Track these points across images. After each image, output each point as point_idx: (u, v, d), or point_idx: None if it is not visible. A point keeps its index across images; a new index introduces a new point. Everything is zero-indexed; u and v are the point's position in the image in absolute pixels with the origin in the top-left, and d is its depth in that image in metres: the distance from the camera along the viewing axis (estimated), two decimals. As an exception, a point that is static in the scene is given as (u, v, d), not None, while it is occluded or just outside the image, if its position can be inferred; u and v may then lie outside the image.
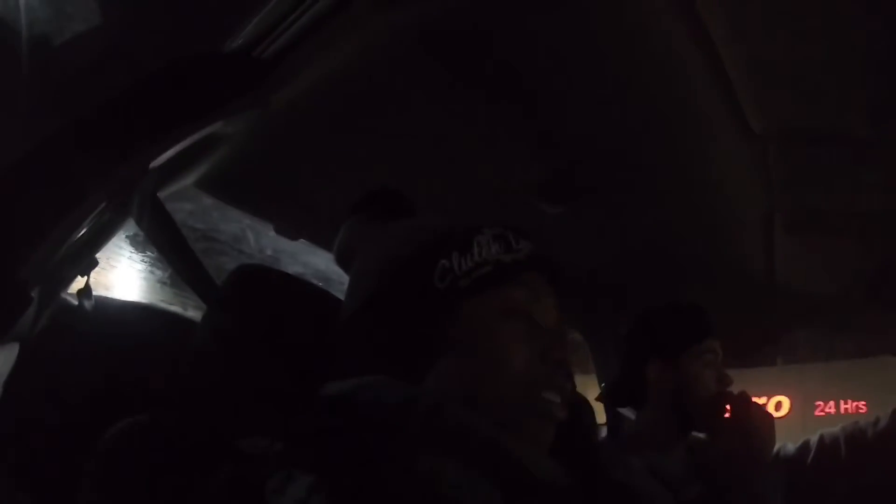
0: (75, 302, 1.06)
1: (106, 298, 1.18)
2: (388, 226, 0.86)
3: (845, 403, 5.40)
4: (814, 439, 1.45)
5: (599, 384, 2.01)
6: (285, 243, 1.66)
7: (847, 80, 1.18)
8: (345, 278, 1.00)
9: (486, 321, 0.74)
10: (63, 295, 1.05)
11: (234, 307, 0.86)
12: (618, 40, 1.13)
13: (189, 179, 1.23)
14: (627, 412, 1.56)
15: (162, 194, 1.15)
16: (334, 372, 0.73)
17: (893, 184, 1.41)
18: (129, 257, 1.36)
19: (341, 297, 0.96)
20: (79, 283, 1.07)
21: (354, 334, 0.79)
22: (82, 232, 0.92)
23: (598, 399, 1.60)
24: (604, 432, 1.70)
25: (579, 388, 1.73)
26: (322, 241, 1.53)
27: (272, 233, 1.59)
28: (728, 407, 1.38)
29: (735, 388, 1.39)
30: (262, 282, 0.90)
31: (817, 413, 5.51)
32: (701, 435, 1.46)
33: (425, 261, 0.76)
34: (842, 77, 1.17)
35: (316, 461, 0.60)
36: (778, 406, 5.58)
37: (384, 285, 0.78)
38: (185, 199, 1.30)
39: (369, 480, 0.59)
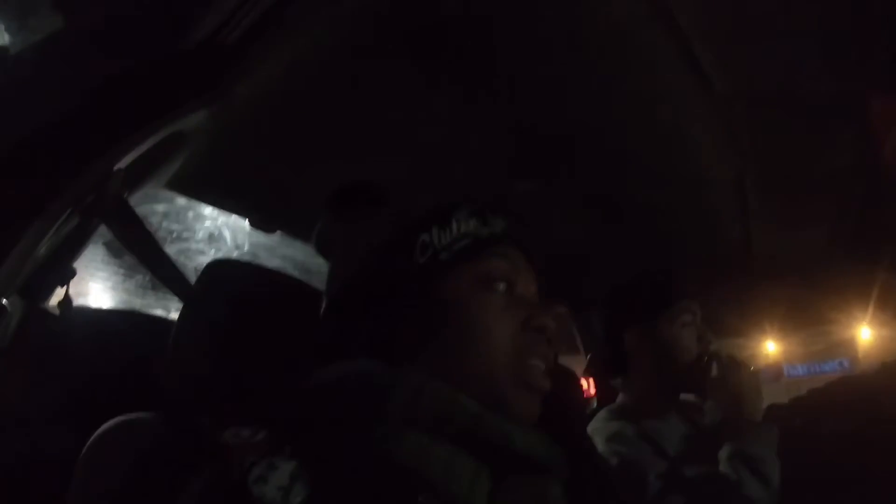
0: (57, 313, 1.05)
1: (87, 308, 1.17)
2: (367, 214, 0.86)
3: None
4: (803, 396, 1.47)
5: (588, 362, 2.03)
6: (262, 238, 1.65)
7: (812, 33, 1.18)
8: (325, 269, 1.00)
9: (467, 293, 0.75)
10: (44, 307, 1.04)
11: (207, 302, 0.86)
12: (581, 13, 1.13)
13: (159, 181, 1.22)
14: (616, 382, 1.57)
15: (133, 198, 1.14)
16: (318, 356, 0.74)
17: (863, 137, 1.42)
18: (108, 264, 1.35)
19: (321, 287, 0.97)
20: (58, 294, 1.06)
21: (338, 316, 0.80)
22: (51, 239, 0.90)
23: (584, 373, 1.62)
24: (595, 405, 1.71)
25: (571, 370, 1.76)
26: (299, 232, 1.53)
27: (248, 229, 1.59)
28: (712, 366, 1.38)
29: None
30: (234, 275, 0.90)
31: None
32: (690, 396, 1.47)
33: (406, 237, 0.77)
34: (806, 31, 1.18)
35: (298, 448, 0.60)
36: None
37: (366, 266, 0.79)
38: (158, 201, 1.29)
39: (352, 465, 0.60)
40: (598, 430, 1.36)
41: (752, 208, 1.77)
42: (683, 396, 1.46)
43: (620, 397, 1.51)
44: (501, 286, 0.76)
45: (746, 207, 1.76)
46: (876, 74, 1.23)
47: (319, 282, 0.98)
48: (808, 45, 1.18)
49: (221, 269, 0.93)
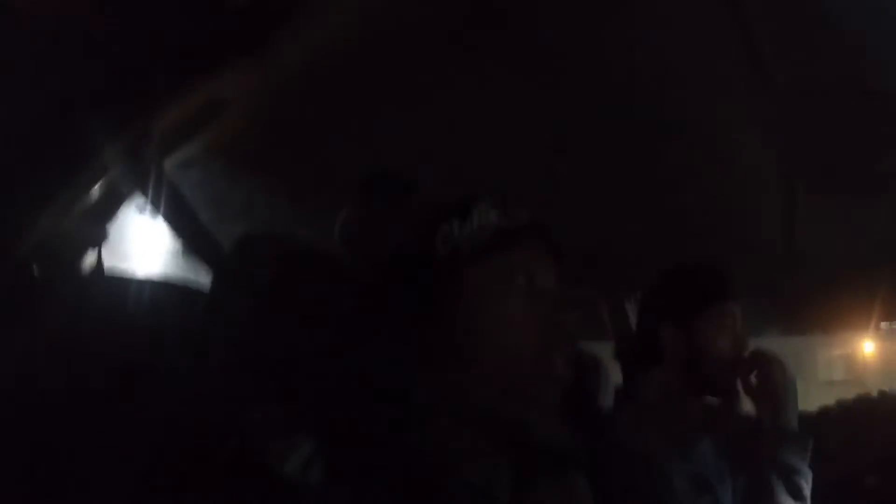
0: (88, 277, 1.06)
1: (117, 277, 1.18)
2: (395, 203, 0.87)
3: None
4: (834, 407, 1.42)
5: (615, 348, 2.00)
6: (295, 210, 1.65)
7: (868, 29, 1.12)
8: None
9: (487, 284, 0.75)
10: (77, 270, 1.05)
11: (238, 275, 0.86)
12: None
13: (196, 147, 1.22)
14: (643, 373, 1.54)
15: (169, 163, 1.15)
16: (344, 340, 0.74)
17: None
18: (141, 228, 1.36)
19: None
20: (90, 258, 1.07)
21: (362, 304, 0.81)
22: (87, 201, 0.91)
23: (614, 357, 1.59)
24: (618, 393, 1.69)
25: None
26: (333, 206, 1.52)
27: (283, 199, 1.59)
28: (748, 371, 1.35)
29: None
30: (267, 249, 0.89)
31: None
32: (718, 399, 1.44)
33: (427, 229, 0.78)
34: (871, 27, 1.12)
35: (320, 428, 0.61)
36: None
37: (392, 255, 0.80)
38: (193, 167, 1.29)
39: (372, 447, 0.60)
40: (621, 423, 1.34)
41: (800, 207, 1.71)
42: (709, 399, 1.43)
43: (645, 391, 1.48)
44: (521, 279, 0.76)
45: (795, 206, 1.71)
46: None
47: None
48: (875, 34, 1.12)
49: (257, 242, 0.93)
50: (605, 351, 1.78)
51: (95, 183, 0.88)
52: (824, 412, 1.44)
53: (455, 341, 0.73)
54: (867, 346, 5.64)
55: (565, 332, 0.76)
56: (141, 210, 1.26)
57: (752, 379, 1.31)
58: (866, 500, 1.25)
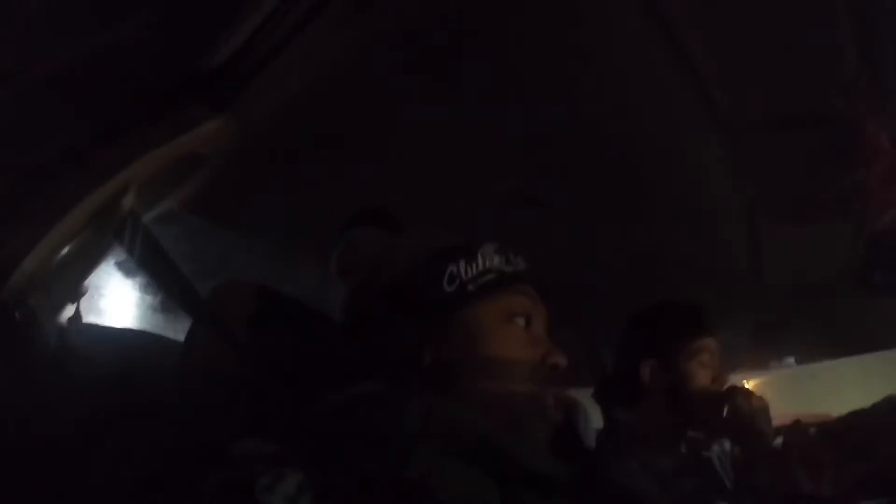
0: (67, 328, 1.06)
1: (96, 326, 1.18)
2: (393, 239, 0.91)
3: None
4: (813, 431, 1.44)
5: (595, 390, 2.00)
6: (274, 263, 1.66)
7: (817, 62, 1.19)
8: (336, 298, 1.00)
9: (490, 323, 0.79)
10: (56, 322, 1.05)
11: (216, 321, 0.87)
12: (585, 41, 1.15)
13: (173, 201, 1.24)
14: (623, 412, 1.55)
15: (147, 218, 1.16)
16: (335, 379, 0.75)
17: (873, 159, 1.42)
18: (120, 283, 1.36)
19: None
20: (69, 310, 1.08)
21: (358, 339, 0.83)
22: (63, 255, 0.92)
23: (593, 397, 1.60)
24: (599, 432, 1.69)
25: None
26: (312, 257, 1.53)
27: (260, 254, 1.60)
28: (726, 405, 1.37)
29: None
30: (244, 295, 0.91)
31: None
32: (699, 432, 1.45)
33: (434, 267, 0.82)
34: (812, 60, 1.18)
35: (307, 461, 0.61)
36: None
37: (392, 291, 0.83)
38: (172, 223, 1.31)
39: (360, 479, 0.60)
40: (605, 461, 1.34)
41: (763, 237, 1.76)
42: (692, 433, 1.44)
43: (627, 430, 1.49)
44: (521, 321, 0.81)
45: (758, 236, 1.75)
46: (878, 96, 1.23)
47: (330, 310, 0.99)
48: (813, 64, 1.19)
49: (234, 289, 0.95)
50: (579, 394, 1.79)
51: (73, 237, 0.89)
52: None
53: (453, 374, 0.76)
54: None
55: (560, 374, 0.79)
56: (120, 264, 1.27)
57: (725, 412, 1.33)
58: None
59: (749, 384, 2.36)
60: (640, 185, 1.57)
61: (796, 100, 1.29)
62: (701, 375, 1.40)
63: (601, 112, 1.32)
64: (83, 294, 1.09)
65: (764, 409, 1.35)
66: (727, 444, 1.40)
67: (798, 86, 1.24)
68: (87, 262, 1.04)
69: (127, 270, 1.30)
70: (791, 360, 2.56)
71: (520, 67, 1.20)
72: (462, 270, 0.81)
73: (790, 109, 1.30)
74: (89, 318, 1.11)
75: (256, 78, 0.98)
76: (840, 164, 1.46)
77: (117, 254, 1.17)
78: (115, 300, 1.38)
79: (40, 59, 0.85)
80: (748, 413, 1.32)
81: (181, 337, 0.99)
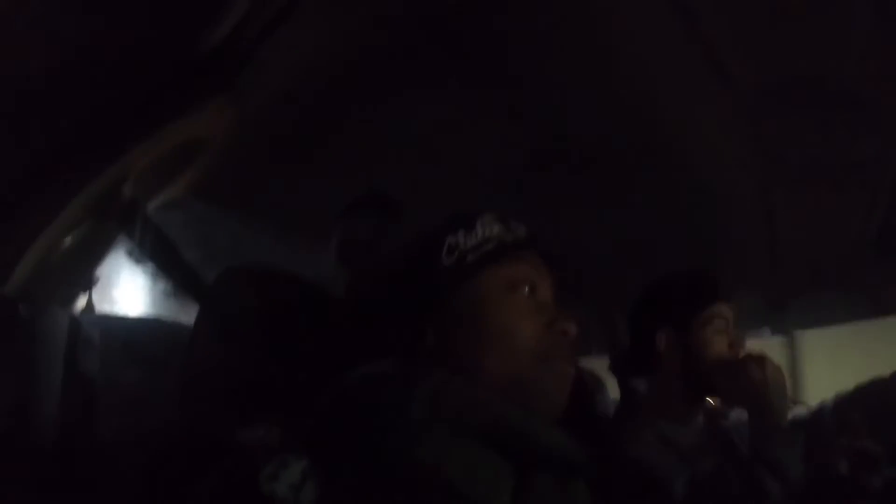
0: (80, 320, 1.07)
1: (110, 316, 1.19)
2: (385, 223, 0.89)
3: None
4: (828, 403, 1.43)
5: (610, 361, 2.00)
6: (281, 247, 1.66)
7: (831, 29, 1.16)
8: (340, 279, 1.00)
9: (493, 294, 0.76)
10: (68, 313, 1.06)
11: (223, 305, 0.86)
12: (601, 18, 1.13)
13: (178, 187, 1.23)
14: (639, 383, 1.54)
15: (152, 204, 1.16)
16: (340, 356, 0.75)
17: (889, 127, 1.38)
18: (131, 272, 1.36)
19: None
20: (82, 300, 1.08)
21: (362, 319, 0.82)
22: (71, 245, 0.92)
23: (609, 369, 1.59)
24: (615, 404, 1.68)
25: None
26: (316, 241, 1.53)
27: (266, 237, 1.60)
28: (743, 371, 1.36)
29: None
30: (249, 279, 0.90)
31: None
32: (716, 401, 1.44)
33: (432, 240, 0.79)
34: (826, 27, 1.15)
35: (311, 447, 0.61)
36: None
37: (392, 268, 0.82)
38: (177, 209, 1.30)
39: (368, 464, 0.60)
40: (620, 433, 1.34)
41: (777, 206, 1.73)
42: (709, 401, 1.43)
43: (643, 399, 1.48)
44: (526, 289, 0.78)
45: (772, 206, 1.73)
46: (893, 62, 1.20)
47: (337, 293, 0.99)
48: (827, 33, 1.15)
49: (239, 273, 0.94)
50: (594, 365, 1.78)
51: (76, 227, 0.89)
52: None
53: (457, 351, 0.74)
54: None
55: (568, 340, 0.77)
56: (127, 253, 1.27)
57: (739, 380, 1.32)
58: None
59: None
60: (655, 154, 1.54)
61: (811, 67, 1.25)
62: (717, 342, 1.38)
63: (612, 80, 1.30)
64: (94, 284, 1.09)
65: (778, 377, 1.34)
66: (745, 414, 1.39)
67: (813, 52, 1.21)
68: (94, 252, 1.04)
69: (137, 259, 1.30)
70: (766, 329, 2.52)
71: (525, 37, 1.18)
72: (461, 241, 0.78)
73: (805, 77, 1.27)
74: (102, 307, 1.12)
75: (255, 59, 0.96)
76: (855, 130, 1.43)
77: (125, 243, 1.17)
78: (127, 289, 1.38)
79: (39, 49, 0.84)
80: (760, 382, 1.31)
81: (190, 320, 1.00)
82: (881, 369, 1.44)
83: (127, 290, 1.41)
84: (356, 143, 1.36)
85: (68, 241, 0.89)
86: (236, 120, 1.04)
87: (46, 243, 0.82)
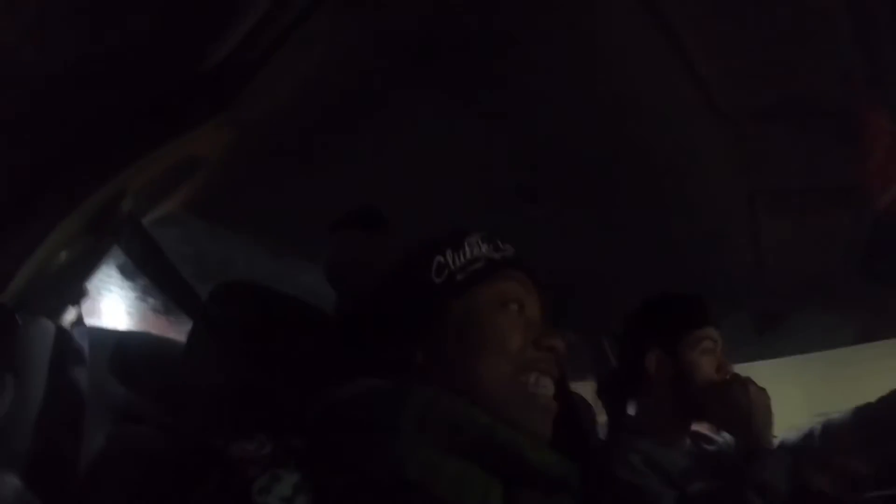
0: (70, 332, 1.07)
1: (99, 329, 1.19)
2: (372, 239, 0.90)
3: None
4: (817, 426, 1.43)
5: (597, 384, 2.01)
6: (276, 263, 1.67)
7: (815, 50, 1.18)
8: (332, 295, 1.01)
9: (482, 311, 0.78)
10: (57, 325, 1.06)
11: (217, 320, 0.87)
12: (585, 39, 1.15)
13: (174, 203, 1.24)
14: (628, 404, 1.55)
15: (147, 220, 1.16)
16: (331, 375, 0.75)
17: (872, 150, 1.41)
18: (121, 286, 1.37)
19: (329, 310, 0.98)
20: (71, 313, 1.08)
21: (354, 333, 0.83)
22: (64, 258, 0.92)
23: (596, 392, 1.60)
24: (604, 426, 1.69)
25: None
26: (309, 257, 1.54)
27: (262, 253, 1.61)
28: (728, 394, 1.36)
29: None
30: (243, 294, 0.91)
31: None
32: (704, 424, 1.45)
33: (421, 259, 0.81)
34: (809, 48, 1.18)
35: (303, 461, 0.61)
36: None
37: (382, 286, 0.83)
38: (173, 224, 1.31)
39: (359, 480, 0.60)
40: (609, 455, 1.34)
41: (763, 229, 1.75)
42: (696, 425, 1.44)
43: (631, 422, 1.49)
44: (514, 307, 0.79)
45: (758, 229, 1.75)
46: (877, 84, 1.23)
47: (328, 307, 1.00)
48: (810, 55, 1.18)
49: (233, 289, 0.95)
50: (581, 388, 1.79)
51: (73, 241, 0.89)
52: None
53: (446, 368, 0.75)
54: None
55: (556, 358, 0.78)
56: (119, 267, 1.27)
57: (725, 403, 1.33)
58: None
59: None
60: (641, 177, 1.56)
61: (795, 89, 1.28)
62: (705, 365, 1.39)
63: (600, 104, 1.32)
64: (84, 297, 1.09)
65: (762, 400, 1.34)
66: (731, 438, 1.40)
67: (797, 75, 1.23)
68: (87, 266, 1.05)
69: (128, 273, 1.31)
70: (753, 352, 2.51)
71: (518, 62, 1.20)
72: (450, 260, 0.80)
73: (789, 98, 1.30)
74: (91, 320, 1.12)
75: (255, 79, 0.97)
76: (840, 153, 1.45)
77: (118, 256, 1.17)
78: (117, 302, 1.39)
79: (40, 63, 0.85)
80: (745, 405, 1.32)
81: (184, 338, 1.00)
82: (868, 393, 1.44)
83: (118, 304, 1.42)
84: (350, 160, 1.38)
85: (65, 253, 0.90)
86: (234, 138, 1.05)
87: (44, 255, 0.82)
